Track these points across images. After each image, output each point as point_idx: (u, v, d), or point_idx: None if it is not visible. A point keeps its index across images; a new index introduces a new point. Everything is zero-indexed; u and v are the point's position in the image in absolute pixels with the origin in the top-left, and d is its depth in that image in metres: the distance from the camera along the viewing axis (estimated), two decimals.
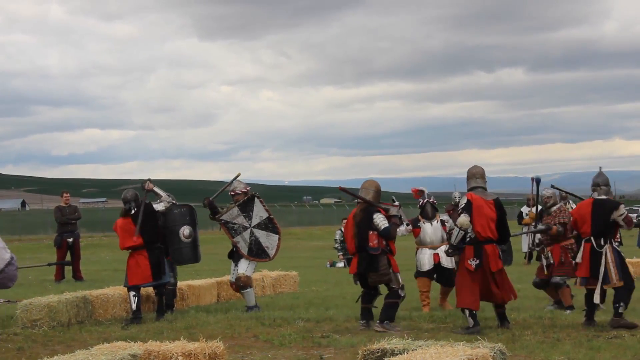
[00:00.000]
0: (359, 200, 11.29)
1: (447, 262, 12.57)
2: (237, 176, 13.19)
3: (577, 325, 10.67)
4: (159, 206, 12.58)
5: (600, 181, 10.87)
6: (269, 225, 13.00)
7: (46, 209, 69.93)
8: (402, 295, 11.11)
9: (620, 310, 10.41)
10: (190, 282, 14.47)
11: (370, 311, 11.12)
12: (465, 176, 11.10)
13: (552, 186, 13.05)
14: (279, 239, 13.08)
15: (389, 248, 11.06)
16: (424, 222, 12.91)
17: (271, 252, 12.98)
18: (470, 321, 10.54)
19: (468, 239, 10.70)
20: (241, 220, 12.86)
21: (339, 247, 24.87)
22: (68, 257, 19.51)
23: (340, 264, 24.37)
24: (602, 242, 10.56)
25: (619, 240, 12.64)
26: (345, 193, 12.47)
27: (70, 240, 19.56)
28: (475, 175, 11.01)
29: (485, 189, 10.99)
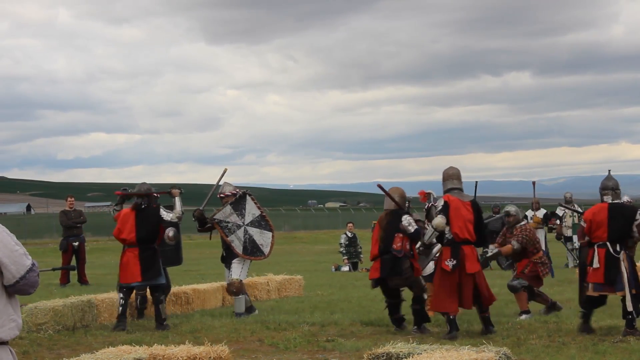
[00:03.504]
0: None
1: None
2: (224, 173, 12.97)
3: (595, 329, 10.59)
4: (167, 215, 12.43)
5: (612, 185, 10.59)
6: (262, 222, 12.86)
7: (51, 212, 70.04)
8: (425, 298, 11.17)
9: (634, 323, 10.17)
10: (195, 286, 14.47)
11: (402, 318, 11.23)
12: (453, 179, 10.95)
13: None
14: (273, 236, 12.97)
15: (411, 252, 11.09)
16: (428, 225, 12.92)
17: (266, 250, 12.85)
18: (448, 326, 10.50)
19: (445, 241, 10.65)
20: (234, 218, 12.72)
21: (344, 251, 24.86)
22: (73, 261, 19.51)
23: (345, 268, 24.36)
24: (619, 248, 10.31)
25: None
26: (381, 190, 12.32)
27: (76, 244, 19.56)
28: (452, 176, 10.95)
29: (461, 190, 10.93)
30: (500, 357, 7.41)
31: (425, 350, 7.59)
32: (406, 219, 11.04)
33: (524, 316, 12.08)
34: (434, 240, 10.88)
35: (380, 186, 12.18)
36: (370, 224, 54.14)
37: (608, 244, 10.32)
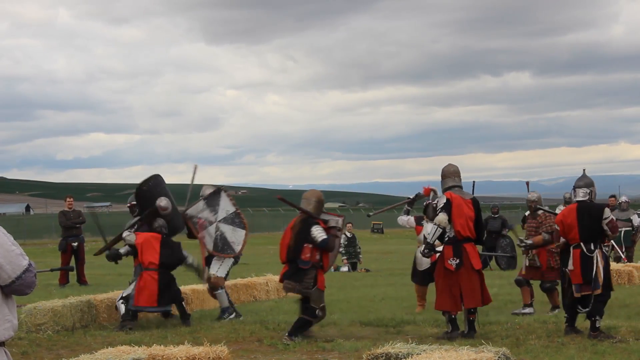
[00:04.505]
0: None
1: None
2: (195, 170, 12.87)
3: (582, 329, 10.63)
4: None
5: (583, 184, 10.56)
6: (235, 220, 12.67)
7: (51, 213, 70.02)
8: (319, 315, 10.82)
9: (597, 325, 10.15)
10: (194, 287, 14.45)
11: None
12: (454, 176, 10.85)
13: (534, 214, 13.10)
14: (246, 234, 12.70)
15: (320, 264, 10.83)
16: (426, 222, 12.98)
17: (237, 248, 12.63)
18: (449, 326, 10.46)
19: (447, 239, 10.58)
20: (206, 214, 12.55)
21: (343, 252, 24.87)
22: (72, 262, 19.50)
23: (345, 268, 24.37)
24: (592, 247, 10.27)
25: (607, 244, 12.65)
26: (284, 203, 12.17)
27: (75, 244, 19.55)
28: (453, 174, 10.85)
29: (461, 187, 10.87)
30: (499, 357, 7.41)
31: (424, 350, 7.59)
32: (316, 229, 10.74)
33: (556, 311, 12.30)
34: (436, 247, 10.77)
35: (281, 198, 12.09)
36: (369, 224, 54.14)
37: (582, 244, 10.31)
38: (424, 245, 11.13)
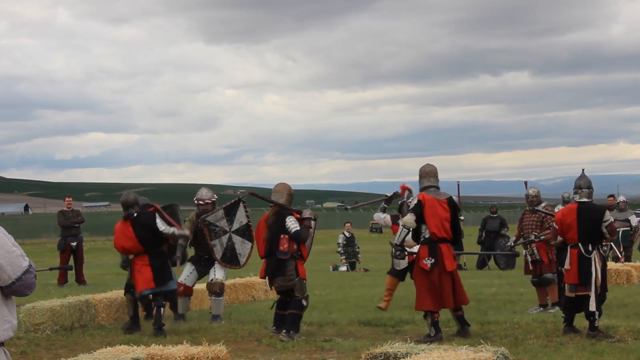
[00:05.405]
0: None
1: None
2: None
3: (581, 329, 10.64)
4: (162, 226, 11.71)
5: (583, 184, 10.52)
6: (246, 232, 12.69)
7: (49, 213, 69.96)
8: (305, 305, 10.92)
9: (596, 324, 10.15)
10: (194, 287, 14.43)
11: (284, 318, 10.86)
12: (430, 176, 10.78)
13: (534, 209, 13.13)
14: (252, 247, 12.64)
15: (299, 253, 10.89)
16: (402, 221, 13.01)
17: (242, 260, 12.68)
18: (432, 330, 10.32)
19: (422, 239, 10.52)
20: (224, 223, 12.58)
21: (342, 251, 24.89)
22: (71, 261, 19.51)
23: (343, 268, 24.38)
24: (590, 248, 10.25)
25: (606, 244, 12.66)
26: (257, 198, 12.18)
27: (74, 244, 19.57)
28: (429, 174, 10.77)
29: (438, 188, 10.78)
30: (498, 357, 7.42)
31: (423, 350, 7.60)
32: (289, 220, 10.81)
33: (556, 308, 12.29)
34: (410, 246, 10.70)
35: (253, 194, 12.11)
36: (368, 224, 54.11)
37: (580, 244, 10.27)
38: (393, 250, 11.09)
